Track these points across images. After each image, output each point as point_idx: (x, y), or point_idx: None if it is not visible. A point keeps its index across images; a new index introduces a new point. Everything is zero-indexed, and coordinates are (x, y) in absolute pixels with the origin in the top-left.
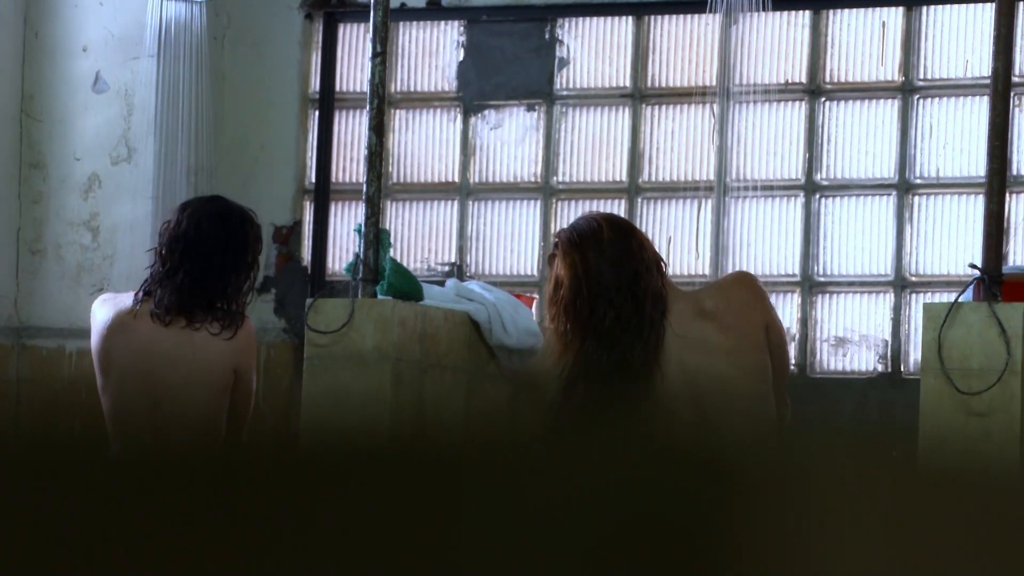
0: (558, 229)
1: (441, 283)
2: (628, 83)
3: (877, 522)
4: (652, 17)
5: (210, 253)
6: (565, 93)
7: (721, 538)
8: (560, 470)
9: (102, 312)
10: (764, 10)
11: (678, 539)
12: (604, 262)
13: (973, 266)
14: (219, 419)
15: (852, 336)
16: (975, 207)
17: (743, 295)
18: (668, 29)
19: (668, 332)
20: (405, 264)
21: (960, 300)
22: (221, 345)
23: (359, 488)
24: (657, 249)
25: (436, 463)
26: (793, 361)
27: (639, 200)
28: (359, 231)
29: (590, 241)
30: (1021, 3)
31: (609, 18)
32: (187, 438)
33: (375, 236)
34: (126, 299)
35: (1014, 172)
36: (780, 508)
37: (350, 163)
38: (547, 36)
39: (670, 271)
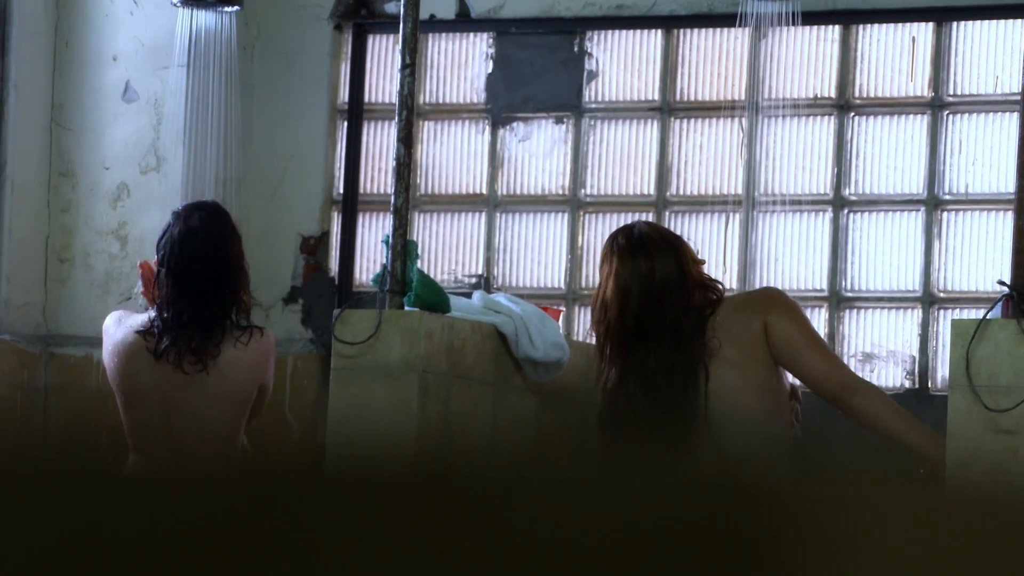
0: (614, 230)
1: (468, 295)
2: (657, 96)
3: (910, 543)
4: (681, 31)
5: (201, 282)
6: (594, 106)
7: (749, 567)
8: (593, 495)
9: (116, 332)
10: (794, 25)
11: (709, 562)
12: (645, 293)
13: (1002, 283)
14: (238, 430)
15: (880, 352)
16: (1004, 223)
17: (750, 303)
18: (697, 43)
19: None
20: (432, 276)
21: (988, 317)
22: (243, 365)
23: (386, 507)
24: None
25: (464, 483)
26: None
27: (667, 213)
28: (387, 242)
29: (634, 259)
30: None
31: (638, 31)
32: (205, 452)
33: (403, 247)
34: (138, 320)
35: None
36: (813, 534)
37: (378, 174)
38: (576, 49)
39: None
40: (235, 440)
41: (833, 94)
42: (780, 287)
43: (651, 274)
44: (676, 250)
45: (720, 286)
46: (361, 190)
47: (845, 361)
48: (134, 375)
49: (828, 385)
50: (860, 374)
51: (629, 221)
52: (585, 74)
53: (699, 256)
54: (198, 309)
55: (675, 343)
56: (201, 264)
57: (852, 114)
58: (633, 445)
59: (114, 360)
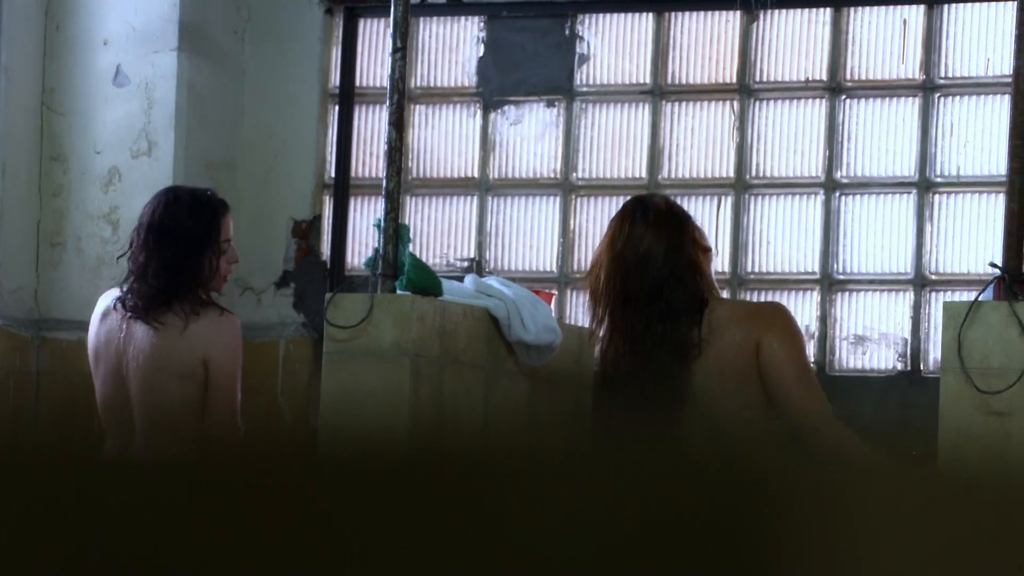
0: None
1: (460, 278)
2: (648, 80)
3: (901, 524)
4: (673, 14)
5: (168, 242)
6: (585, 89)
7: (746, 550)
8: (585, 475)
9: (98, 307)
10: (785, 7)
11: (705, 547)
12: (634, 256)
13: (993, 265)
14: (191, 408)
15: (871, 334)
16: (996, 206)
17: (751, 318)
18: (689, 26)
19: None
20: (424, 259)
21: (980, 299)
22: (184, 335)
23: (378, 491)
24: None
25: (456, 465)
26: (812, 360)
27: None
28: (378, 226)
29: (632, 224)
30: None
31: (630, 14)
32: (162, 433)
33: (394, 231)
34: (114, 293)
35: None
36: (807, 519)
37: (370, 158)
38: (567, 32)
39: None
40: (189, 421)
41: (825, 77)
42: (772, 269)
43: (642, 239)
44: (678, 226)
45: (715, 292)
46: (353, 174)
47: (838, 345)
48: (98, 342)
49: (800, 419)
50: (852, 357)
51: (621, 203)
52: (576, 57)
53: (708, 244)
54: (156, 272)
55: (661, 314)
56: (169, 230)
57: (844, 97)
58: (622, 405)
59: (92, 327)
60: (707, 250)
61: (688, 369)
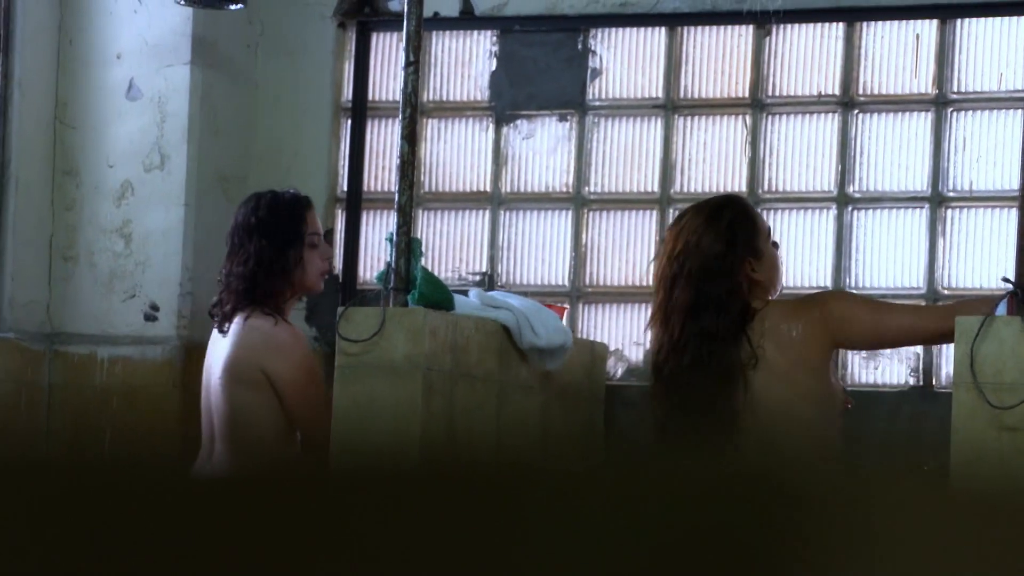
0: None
1: (466, 292)
2: (661, 94)
3: (915, 538)
4: (685, 28)
5: (249, 242)
6: (597, 103)
7: (777, 560)
8: (598, 488)
9: None
10: (798, 22)
11: (735, 558)
12: (686, 267)
13: (1006, 280)
14: (254, 416)
15: (884, 349)
16: (1008, 221)
17: (802, 305)
18: (701, 40)
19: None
20: (436, 273)
21: (993, 314)
22: (240, 340)
23: (390, 505)
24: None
25: (468, 478)
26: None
27: (671, 211)
28: (391, 240)
29: (695, 221)
30: None
31: (642, 29)
32: (228, 438)
33: (406, 245)
34: None
35: None
36: (836, 530)
37: (382, 172)
38: (580, 46)
39: None
40: (252, 429)
41: (837, 91)
42: (785, 283)
43: (690, 252)
44: (726, 249)
45: (768, 297)
46: (365, 188)
47: (850, 359)
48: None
49: (923, 334)
50: (865, 371)
51: (633, 218)
52: (589, 71)
53: (772, 255)
54: (237, 275)
55: (701, 333)
56: (251, 230)
57: (856, 111)
58: (662, 415)
59: None
60: (774, 251)
61: (736, 389)
